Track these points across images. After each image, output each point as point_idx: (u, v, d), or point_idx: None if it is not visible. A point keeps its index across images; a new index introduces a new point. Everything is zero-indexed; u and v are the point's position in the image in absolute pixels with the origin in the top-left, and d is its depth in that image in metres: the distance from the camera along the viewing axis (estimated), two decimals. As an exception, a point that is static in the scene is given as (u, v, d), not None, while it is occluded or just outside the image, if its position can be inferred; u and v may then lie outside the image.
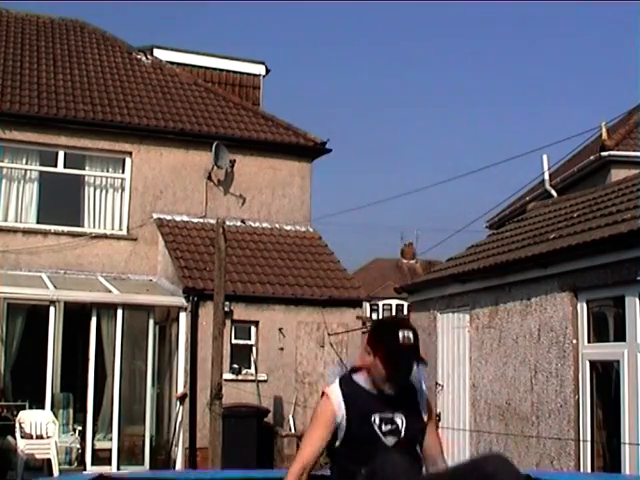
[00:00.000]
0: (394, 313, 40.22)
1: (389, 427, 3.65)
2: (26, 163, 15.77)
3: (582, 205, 11.01)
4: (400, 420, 3.67)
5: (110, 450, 13.40)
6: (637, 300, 7.73)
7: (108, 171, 16.26)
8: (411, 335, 3.58)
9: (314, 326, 14.70)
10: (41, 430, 12.34)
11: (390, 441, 3.64)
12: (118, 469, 13.18)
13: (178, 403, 13.74)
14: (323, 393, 3.81)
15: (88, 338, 13.53)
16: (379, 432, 3.64)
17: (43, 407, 12.91)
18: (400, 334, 3.56)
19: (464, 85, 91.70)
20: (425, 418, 3.82)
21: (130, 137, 16.09)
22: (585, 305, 8.59)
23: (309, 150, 17.44)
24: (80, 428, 13.41)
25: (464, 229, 22.10)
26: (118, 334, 13.64)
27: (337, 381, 3.76)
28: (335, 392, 3.71)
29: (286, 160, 17.14)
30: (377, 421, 3.64)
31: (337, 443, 3.73)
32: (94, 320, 13.62)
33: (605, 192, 11.17)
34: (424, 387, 3.84)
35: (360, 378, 3.74)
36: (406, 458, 3.55)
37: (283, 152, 17.14)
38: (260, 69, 19.67)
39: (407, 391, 3.75)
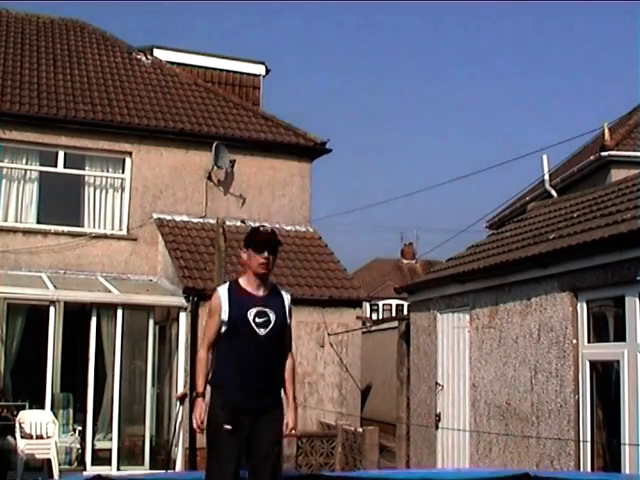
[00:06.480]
0: (394, 313, 40.24)
1: (262, 319, 4.74)
2: (26, 163, 15.77)
3: (582, 205, 11.00)
4: (272, 315, 4.78)
5: (110, 450, 13.40)
6: (637, 300, 7.73)
7: (108, 171, 16.26)
8: (268, 228, 5.04)
9: (314, 326, 14.71)
10: (41, 430, 12.33)
11: (262, 332, 4.73)
12: (118, 469, 13.19)
13: (178, 403, 13.73)
14: (214, 291, 5.00)
15: (88, 338, 13.53)
16: (253, 324, 4.71)
17: (43, 407, 12.90)
18: (261, 229, 5.00)
19: (464, 86, 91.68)
20: (289, 321, 4.95)
21: (130, 137, 16.09)
22: (585, 305, 8.59)
23: (309, 150, 17.43)
24: (80, 428, 13.39)
25: (467, 230, 22.04)
26: (118, 334, 13.64)
27: (227, 284, 4.95)
28: (223, 290, 4.87)
29: (286, 160, 17.14)
30: (252, 314, 4.74)
31: (222, 330, 4.80)
32: (94, 320, 13.62)
33: (605, 192, 11.16)
34: (288, 300, 5.00)
35: (243, 280, 4.89)
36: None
37: (283, 152, 17.14)
38: (260, 69, 19.66)
39: (277, 296, 4.92)
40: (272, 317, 4.77)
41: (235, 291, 4.82)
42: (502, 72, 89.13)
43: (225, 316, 4.76)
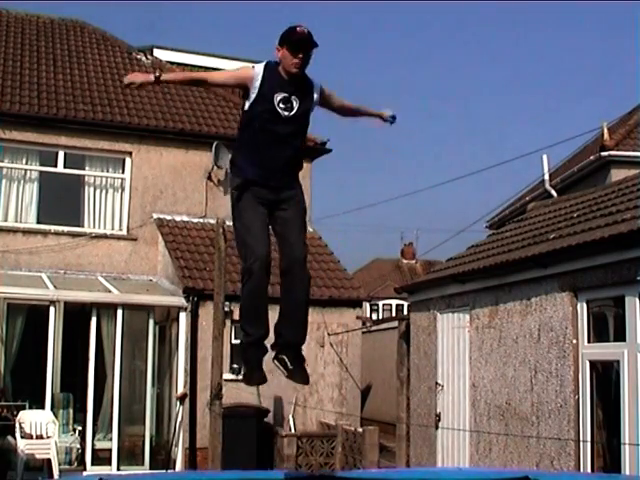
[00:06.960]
0: (394, 313, 40.19)
1: (287, 105, 4.80)
2: (26, 163, 15.77)
3: (582, 205, 11.01)
4: (295, 101, 4.82)
5: (110, 450, 13.41)
6: (637, 300, 7.73)
7: (108, 171, 16.26)
8: (305, 29, 4.75)
9: (314, 326, 14.68)
10: (41, 430, 12.34)
11: (285, 114, 4.79)
12: (118, 469, 13.19)
13: (178, 403, 13.74)
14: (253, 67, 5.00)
15: (88, 338, 13.53)
16: (277, 107, 4.78)
17: (43, 407, 12.90)
18: (298, 29, 4.75)
19: (464, 85, 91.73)
20: (316, 96, 4.92)
21: (130, 137, 16.09)
22: (585, 305, 8.60)
23: (309, 150, 17.39)
24: (80, 428, 13.40)
25: (467, 230, 21.98)
26: (118, 334, 13.64)
27: (263, 64, 4.88)
28: (261, 65, 4.86)
29: (286, 160, 17.10)
30: (277, 98, 4.79)
31: (247, 104, 4.86)
32: (94, 320, 13.62)
33: (605, 192, 11.17)
34: (317, 88, 4.95)
35: (279, 67, 4.86)
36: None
37: (283, 152, 17.10)
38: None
39: (306, 84, 4.88)
40: (295, 104, 4.84)
41: (270, 72, 4.85)
42: (502, 72, 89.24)
43: (256, 86, 4.82)
